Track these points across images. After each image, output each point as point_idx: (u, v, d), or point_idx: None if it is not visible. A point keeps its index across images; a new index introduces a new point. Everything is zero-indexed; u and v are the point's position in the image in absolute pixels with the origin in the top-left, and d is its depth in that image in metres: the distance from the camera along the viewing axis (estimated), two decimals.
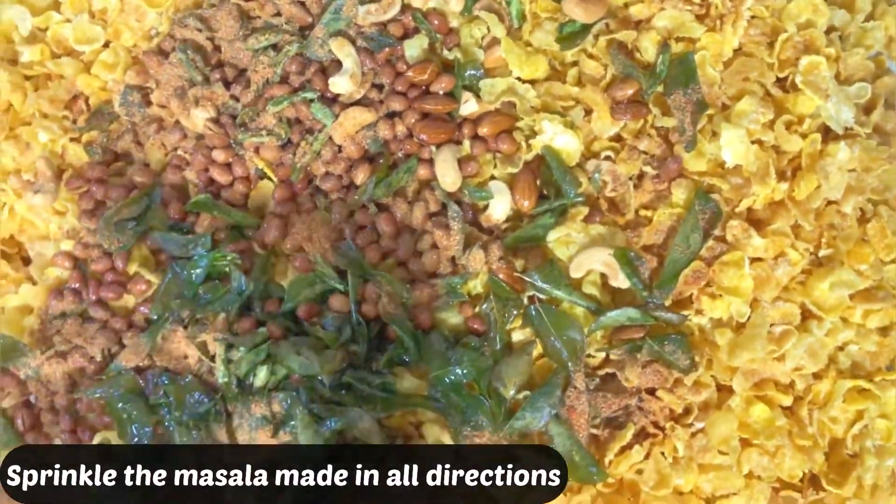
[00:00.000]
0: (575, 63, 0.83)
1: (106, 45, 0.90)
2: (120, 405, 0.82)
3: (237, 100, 0.84)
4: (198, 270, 0.84)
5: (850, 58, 0.81)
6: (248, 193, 0.85)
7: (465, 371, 0.78)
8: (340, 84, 0.80)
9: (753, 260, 0.78)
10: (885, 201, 0.80)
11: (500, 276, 0.79)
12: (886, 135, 0.81)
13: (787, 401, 0.80)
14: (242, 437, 0.80)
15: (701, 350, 0.78)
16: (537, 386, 0.79)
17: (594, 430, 0.79)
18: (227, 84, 0.85)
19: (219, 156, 0.84)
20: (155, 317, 0.84)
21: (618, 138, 0.82)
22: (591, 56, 0.82)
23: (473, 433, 0.78)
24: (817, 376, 0.80)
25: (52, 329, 0.85)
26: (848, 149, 0.77)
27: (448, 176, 0.80)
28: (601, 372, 0.80)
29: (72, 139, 0.89)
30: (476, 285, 0.81)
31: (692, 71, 0.78)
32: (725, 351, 0.78)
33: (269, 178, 0.84)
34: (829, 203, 0.80)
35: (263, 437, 0.80)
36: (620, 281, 0.79)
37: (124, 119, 0.89)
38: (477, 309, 0.80)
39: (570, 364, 0.78)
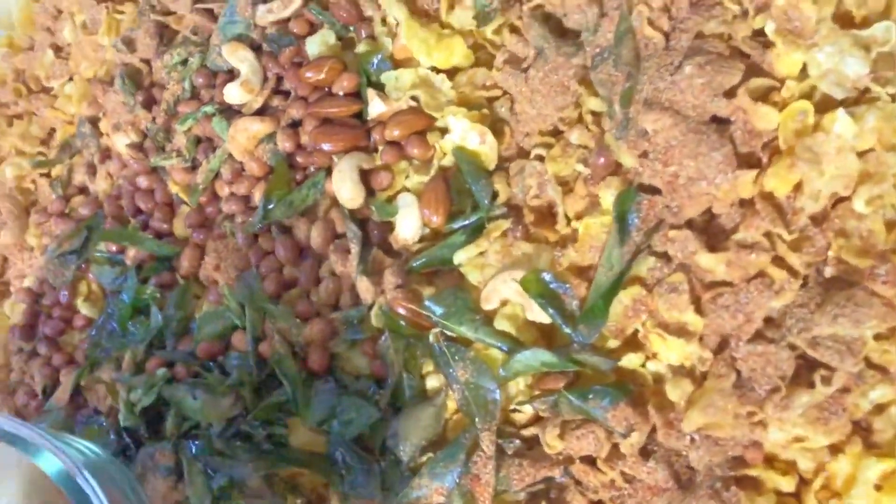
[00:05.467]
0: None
1: (71, 78, 0.90)
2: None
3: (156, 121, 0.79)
4: (124, 305, 0.79)
5: None
6: (171, 220, 0.79)
7: (348, 425, 0.64)
8: (233, 93, 0.72)
9: (713, 284, 0.56)
10: None
11: (398, 308, 0.65)
12: None
13: (786, 485, 0.55)
14: (148, 487, 0.73)
15: (647, 408, 0.57)
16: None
17: None
18: (150, 106, 0.80)
19: (142, 182, 0.79)
20: (92, 353, 0.81)
21: (555, 132, 0.64)
22: (514, 31, 0.65)
23: (359, 502, 0.64)
24: (836, 450, 0.55)
25: (12, 364, 0.85)
26: (849, 119, 0.53)
27: (344, 189, 0.68)
28: (527, 432, 0.62)
29: (41, 174, 0.89)
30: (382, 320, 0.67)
31: (622, 34, 0.59)
32: (683, 411, 0.56)
33: (187, 203, 0.77)
34: (840, 200, 0.55)
35: (164, 489, 0.72)
36: (536, 314, 0.60)
37: (85, 151, 0.87)
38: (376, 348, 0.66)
39: (477, 420, 0.61)
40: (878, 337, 0.54)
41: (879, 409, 0.55)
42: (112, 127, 0.80)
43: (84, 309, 0.82)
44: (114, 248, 0.81)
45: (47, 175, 0.89)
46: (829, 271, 0.55)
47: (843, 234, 0.54)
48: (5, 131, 0.90)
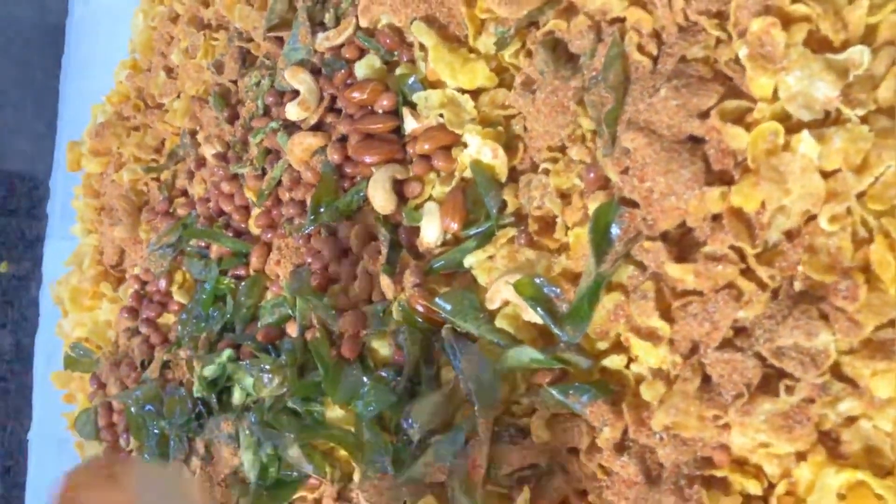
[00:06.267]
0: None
1: (179, 96, 1.03)
2: (144, 409, 0.93)
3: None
4: (205, 293, 0.91)
5: (853, 13, 0.57)
6: (247, 221, 0.90)
7: (369, 406, 0.73)
8: (291, 111, 0.82)
9: (685, 293, 0.59)
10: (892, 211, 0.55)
11: (415, 304, 0.72)
12: None
13: (753, 488, 0.58)
14: (215, 452, 0.85)
15: (622, 405, 0.62)
16: None
17: (500, 489, 0.67)
18: (233, 121, 0.91)
19: (225, 187, 0.91)
20: (180, 334, 0.94)
21: (562, 148, 0.70)
22: (529, 55, 0.71)
23: (375, 475, 0.72)
24: (802, 458, 0.57)
25: (121, 340, 1.00)
26: (813, 140, 0.55)
27: (377, 197, 0.76)
28: (522, 422, 0.68)
29: (152, 178, 1.04)
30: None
31: (612, 59, 0.63)
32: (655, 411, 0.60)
33: (258, 206, 0.88)
34: (812, 217, 0.57)
35: (227, 454, 0.83)
36: (530, 314, 0.66)
37: (187, 159, 1.01)
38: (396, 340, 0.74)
39: (477, 409, 0.68)
40: (849, 352, 0.56)
41: (849, 421, 0.57)
42: (204, 139, 0.92)
43: (178, 296, 0.95)
44: (202, 243, 0.94)
45: (157, 179, 1.04)
46: (797, 285, 0.57)
47: (811, 250, 0.56)
48: (125, 141, 1.06)
